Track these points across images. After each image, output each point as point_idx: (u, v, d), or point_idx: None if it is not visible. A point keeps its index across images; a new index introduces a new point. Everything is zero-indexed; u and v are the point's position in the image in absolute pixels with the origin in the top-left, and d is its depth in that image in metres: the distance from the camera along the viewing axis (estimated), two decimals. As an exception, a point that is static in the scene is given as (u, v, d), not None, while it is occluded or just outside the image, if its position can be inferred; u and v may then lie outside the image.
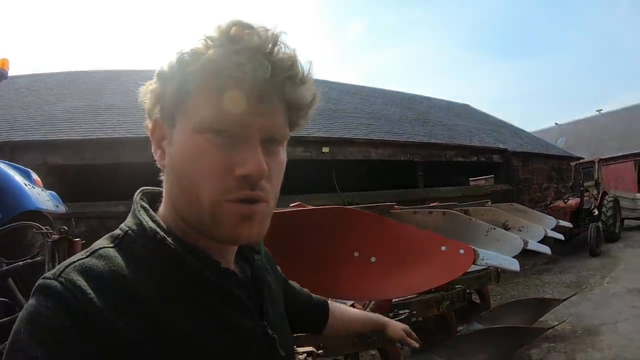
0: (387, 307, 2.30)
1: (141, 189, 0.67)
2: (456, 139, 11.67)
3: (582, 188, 9.88)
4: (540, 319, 3.90)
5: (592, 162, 11.22)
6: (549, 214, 6.13)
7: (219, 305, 0.59)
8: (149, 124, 0.62)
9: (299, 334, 2.01)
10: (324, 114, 10.75)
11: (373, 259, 1.12)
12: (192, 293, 0.57)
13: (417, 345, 1.10)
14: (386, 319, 1.12)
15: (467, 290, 3.19)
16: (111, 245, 0.57)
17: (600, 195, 10.17)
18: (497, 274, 3.71)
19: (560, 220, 3.82)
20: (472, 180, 14.78)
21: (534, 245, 2.06)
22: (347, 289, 1.21)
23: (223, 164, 0.53)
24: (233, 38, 0.54)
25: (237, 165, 0.53)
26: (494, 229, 1.82)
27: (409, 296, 2.80)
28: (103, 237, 0.60)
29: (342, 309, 1.08)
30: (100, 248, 0.56)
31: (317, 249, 1.14)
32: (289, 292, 0.90)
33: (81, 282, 0.51)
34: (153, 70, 0.61)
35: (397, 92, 15.59)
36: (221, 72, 0.52)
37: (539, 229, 2.59)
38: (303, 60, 0.58)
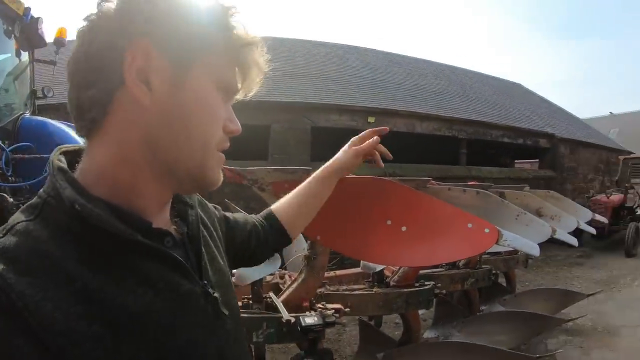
0: (413, 277, 2.39)
1: (59, 147, 0.61)
2: (503, 119, 11.34)
3: (627, 184, 9.45)
4: (563, 311, 3.90)
5: (643, 158, 10.66)
6: (590, 207, 5.97)
7: (156, 269, 0.55)
8: (124, 43, 0.53)
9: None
10: (370, 83, 10.60)
11: (404, 229, 1.19)
12: (125, 260, 0.53)
13: (388, 157, 1.09)
14: (335, 159, 1.07)
15: (494, 271, 3.26)
16: (30, 217, 0.51)
17: (646, 195, 9.71)
18: (525, 260, 3.75)
19: (597, 215, 3.76)
20: (518, 163, 14.38)
21: (561, 234, 2.07)
22: (377, 253, 1.29)
23: (222, 119, 0.61)
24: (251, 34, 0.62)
25: (227, 122, 0.62)
26: (525, 213, 1.85)
27: (435, 270, 2.91)
28: (20, 209, 0.54)
29: (286, 203, 1.02)
30: (18, 223, 0.50)
31: (354, 214, 1.22)
32: (236, 228, 0.87)
33: None
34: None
35: (446, 65, 14.96)
36: (253, 55, 0.62)
37: (572, 219, 2.57)
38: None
